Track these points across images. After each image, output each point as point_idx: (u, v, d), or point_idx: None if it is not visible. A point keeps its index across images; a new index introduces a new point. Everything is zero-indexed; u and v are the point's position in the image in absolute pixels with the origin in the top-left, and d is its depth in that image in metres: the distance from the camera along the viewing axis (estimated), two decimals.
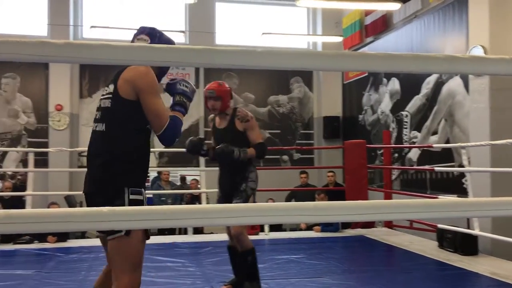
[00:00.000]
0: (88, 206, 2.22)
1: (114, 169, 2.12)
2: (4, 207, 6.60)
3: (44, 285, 3.74)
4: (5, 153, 9.70)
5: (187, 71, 10.55)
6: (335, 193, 6.93)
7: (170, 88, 2.28)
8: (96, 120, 2.22)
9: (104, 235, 2.17)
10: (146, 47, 0.97)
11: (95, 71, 10.22)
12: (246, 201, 3.40)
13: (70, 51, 0.83)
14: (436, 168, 6.01)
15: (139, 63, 0.94)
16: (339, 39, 10.13)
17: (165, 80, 2.49)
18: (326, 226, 6.11)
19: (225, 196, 3.48)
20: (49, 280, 3.89)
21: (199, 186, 7.98)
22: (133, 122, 2.14)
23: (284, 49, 1.10)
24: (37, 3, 9.96)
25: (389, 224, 6.46)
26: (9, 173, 9.47)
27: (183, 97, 2.26)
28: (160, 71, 2.32)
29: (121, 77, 2.14)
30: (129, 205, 2.05)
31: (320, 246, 5.35)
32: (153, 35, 2.31)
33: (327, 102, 10.83)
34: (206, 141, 3.58)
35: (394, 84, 8.68)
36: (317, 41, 10.90)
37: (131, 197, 2.09)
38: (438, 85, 7.29)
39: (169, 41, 2.37)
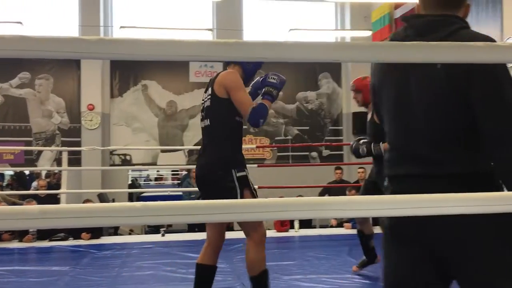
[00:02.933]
0: (200, 187, 2.76)
1: (217, 154, 2.63)
2: None
3: (79, 281, 3.82)
4: (40, 152, 9.97)
5: (215, 68, 10.60)
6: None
7: (262, 82, 2.79)
8: (202, 118, 2.77)
9: None
10: (172, 42, 0.97)
11: (125, 71, 10.39)
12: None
13: (103, 47, 0.83)
14: None
15: (165, 58, 0.93)
16: (368, 33, 9.99)
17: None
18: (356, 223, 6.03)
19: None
20: (83, 276, 3.97)
21: None
22: (227, 115, 2.66)
23: (314, 41, 1.08)
24: (69, 4, 10.18)
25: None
26: (44, 172, 9.73)
27: (271, 87, 2.73)
28: (248, 71, 2.79)
29: (216, 82, 2.69)
30: (238, 181, 2.58)
31: (351, 243, 5.29)
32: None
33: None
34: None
35: None
36: (345, 36, 10.77)
37: (238, 174, 2.58)
38: None
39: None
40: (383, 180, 3.60)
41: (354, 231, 5.86)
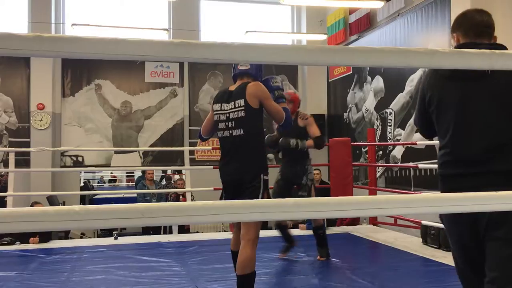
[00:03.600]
0: (228, 190, 3.05)
1: (251, 161, 2.93)
2: None
3: (26, 286, 3.67)
4: None
5: (171, 69, 10.48)
6: (320, 190, 6.94)
7: (269, 88, 3.02)
8: (229, 128, 2.94)
9: None
10: (123, 41, 0.94)
11: (77, 70, 10.11)
12: (309, 193, 4.31)
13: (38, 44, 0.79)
14: (420, 165, 6.04)
15: (118, 57, 0.91)
16: (324, 37, 10.16)
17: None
18: (311, 224, 6.11)
19: (285, 180, 4.43)
20: (30, 281, 3.82)
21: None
22: (259, 125, 2.99)
23: (268, 44, 1.09)
24: (18, 0, 9.80)
25: (374, 221, 6.50)
26: None
27: (280, 90, 3.08)
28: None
29: (248, 94, 2.89)
30: (263, 184, 2.91)
31: (306, 244, 5.35)
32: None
33: (312, 100, 10.85)
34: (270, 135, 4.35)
35: (378, 82, 8.73)
36: (301, 39, 10.90)
37: (264, 178, 2.92)
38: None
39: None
40: (298, 177, 4.25)
41: (309, 232, 5.94)
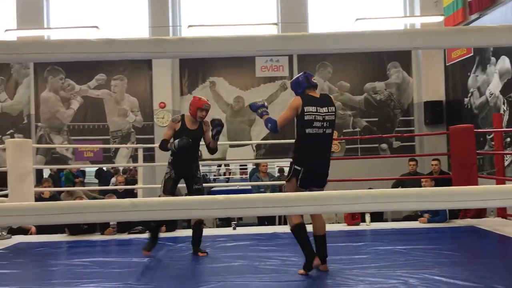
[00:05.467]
0: (318, 181, 3.81)
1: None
2: None
3: (157, 272, 3.99)
4: (117, 150, 10.50)
5: (280, 63, 10.61)
6: (441, 181, 6.57)
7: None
8: (324, 127, 3.75)
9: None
10: (238, 38, 0.98)
11: (193, 69, 10.67)
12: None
13: (184, 46, 0.86)
14: None
15: (233, 54, 0.95)
16: (440, 18, 9.56)
17: None
18: (433, 217, 5.82)
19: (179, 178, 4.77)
20: (162, 267, 4.14)
21: None
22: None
23: (382, 30, 1.05)
24: (139, 7, 10.61)
25: (503, 214, 6.00)
26: (121, 168, 10.25)
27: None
28: None
29: (333, 102, 3.87)
30: None
31: (427, 237, 5.12)
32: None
33: (428, 86, 10.29)
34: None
35: (504, 62, 8.00)
36: (415, 22, 10.37)
37: None
38: None
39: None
40: (191, 173, 4.61)
41: (429, 225, 5.67)
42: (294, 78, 4.04)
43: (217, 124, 4.56)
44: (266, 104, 4.01)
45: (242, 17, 10.27)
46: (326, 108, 3.76)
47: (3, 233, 5.68)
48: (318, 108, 3.73)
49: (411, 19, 10.42)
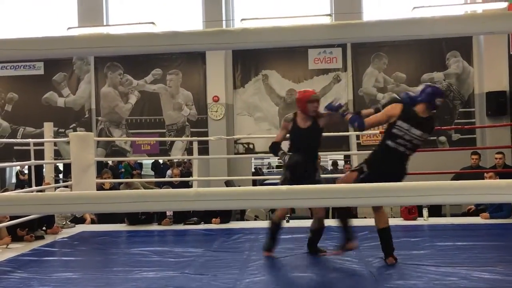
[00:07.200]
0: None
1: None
2: None
3: (213, 262, 4.07)
4: (172, 143, 10.77)
5: (334, 54, 10.46)
6: (506, 176, 6.26)
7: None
8: (406, 147, 3.63)
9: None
10: (286, 28, 0.97)
11: (246, 62, 10.72)
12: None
13: (247, 37, 0.87)
14: None
15: (284, 44, 0.94)
16: (504, 4, 9.06)
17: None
18: (496, 212, 5.57)
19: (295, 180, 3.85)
20: (217, 258, 4.20)
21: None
22: None
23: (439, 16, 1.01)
24: (193, 2, 10.78)
25: None
26: (176, 161, 10.50)
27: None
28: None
29: (432, 129, 3.70)
30: None
31: (489, 233, 4.91)
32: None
33: (491, 76, 9.81)
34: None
35: None
36: (476, 9, 9.90)
37: None
38: None
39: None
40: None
41: (490, 221, 5.43)
42: (428, 84, 3.78)
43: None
44: (342, 103, 3.78)
45: (295, 9, 10.19)
46: (420, 132, 3.57)
47: (68, 222, 5.98)
48: (412, 128, 3.55)
49: (472, 6, 9.95)
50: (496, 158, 6.82)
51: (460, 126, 9.32)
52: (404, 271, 3.60)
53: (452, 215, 7.29)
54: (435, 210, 6.67)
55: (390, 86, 10.35)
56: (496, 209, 5.57)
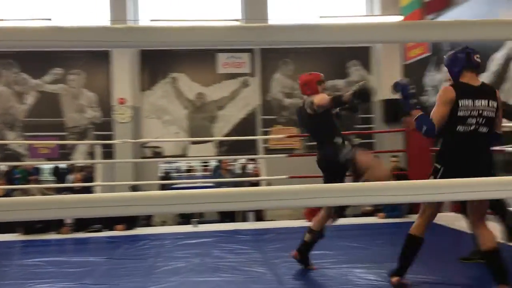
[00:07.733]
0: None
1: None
2: None
3: (115, 271, 3.90)
4: (74, 146, 10.21)
5: (242, 59, 10.58)
6: (398, 178, 6.71)
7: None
8: (478, 123, 3.01)
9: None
10: (199, 28, 0.95)
11: (154, 65, 10.49)
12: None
13: (133, 35, 0.82)
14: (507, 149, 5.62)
15: (197, 45, 0.92)
16: (399, 18, 9.77)
17: None
18: (391, 212, 5.95)
19: None
20: (119, 266, 4.04)
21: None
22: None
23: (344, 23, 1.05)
24: (98, 0, 10.33)
25: (458, 209, 6.19)
26: (78, 165, 9.96)
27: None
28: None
29: (497, 95, 3.08)
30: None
31: (385, 232, 5.23)
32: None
33: (387, 84, 10.45)
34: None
35: None
36: (375, 21, 10.56)
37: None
38: (507, 61, 6.86)
39: None
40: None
41: (387, 220, 5.79)
42: (451, 52, 3.17)
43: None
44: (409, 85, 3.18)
45: (205, 13, 10.17)
46: (486, 101, 3.02)
47: None
48: (474, 101, 3.02)
49: (372, 18, 10.60)
50: (391, 162, 7.33)
51: (358, 131, 9.86)
52: (304, 272, 3.71)
53: (354, 216, 7.67)
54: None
55: (296, 92, 10.69)
56: (391, 209, 5.95)
